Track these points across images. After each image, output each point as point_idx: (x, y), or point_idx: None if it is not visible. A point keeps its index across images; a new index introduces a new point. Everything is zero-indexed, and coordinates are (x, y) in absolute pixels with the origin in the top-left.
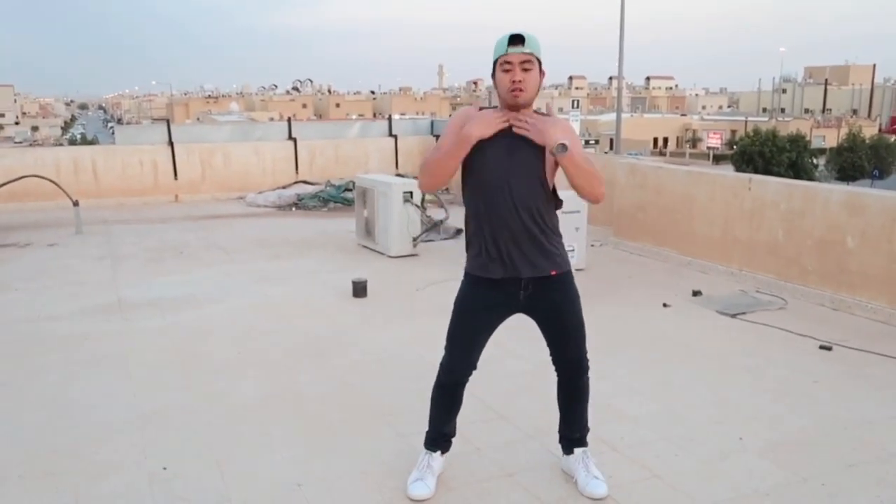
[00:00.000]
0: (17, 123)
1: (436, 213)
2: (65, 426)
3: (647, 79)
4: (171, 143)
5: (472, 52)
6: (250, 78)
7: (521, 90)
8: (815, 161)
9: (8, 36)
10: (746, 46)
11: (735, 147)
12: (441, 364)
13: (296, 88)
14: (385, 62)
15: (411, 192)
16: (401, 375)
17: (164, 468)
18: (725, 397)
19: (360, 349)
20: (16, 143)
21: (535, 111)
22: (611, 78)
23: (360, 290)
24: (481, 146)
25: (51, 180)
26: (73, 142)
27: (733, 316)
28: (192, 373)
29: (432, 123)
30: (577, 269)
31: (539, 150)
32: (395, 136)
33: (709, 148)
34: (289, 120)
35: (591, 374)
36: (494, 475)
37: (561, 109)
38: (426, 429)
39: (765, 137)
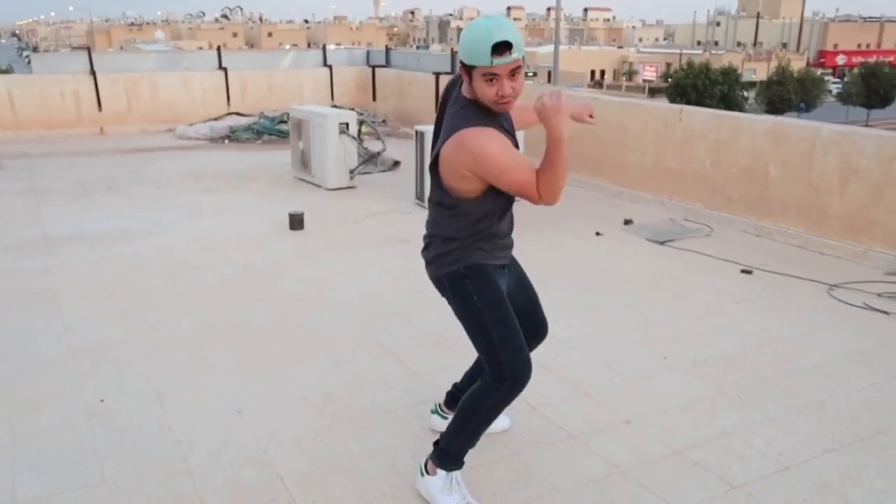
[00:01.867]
0: None
1: (372, 146)
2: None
3: (585, 10)
4: (93, 73)
5: None
6: (176, 5)
7: (511, 101)
8: (745, 94)
9: None
10: None
11: (669, 80)
12: (512, 371)
13: (225, 16)
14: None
15: (347, 124)
16: (338, 306)
17: (102, 400)
18: (652, 320)
19: (297, 281)
20: None
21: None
22: (549, 9)
23: (296, 222)
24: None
25: None
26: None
27: (661, 243)
28: (126, 307)
29: (368, 54)
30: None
31: None
32: (330, 67)
33: (644, 81)
34: (218, 49)
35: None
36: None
37: None
38: (457, 448)
39: (698, 70)
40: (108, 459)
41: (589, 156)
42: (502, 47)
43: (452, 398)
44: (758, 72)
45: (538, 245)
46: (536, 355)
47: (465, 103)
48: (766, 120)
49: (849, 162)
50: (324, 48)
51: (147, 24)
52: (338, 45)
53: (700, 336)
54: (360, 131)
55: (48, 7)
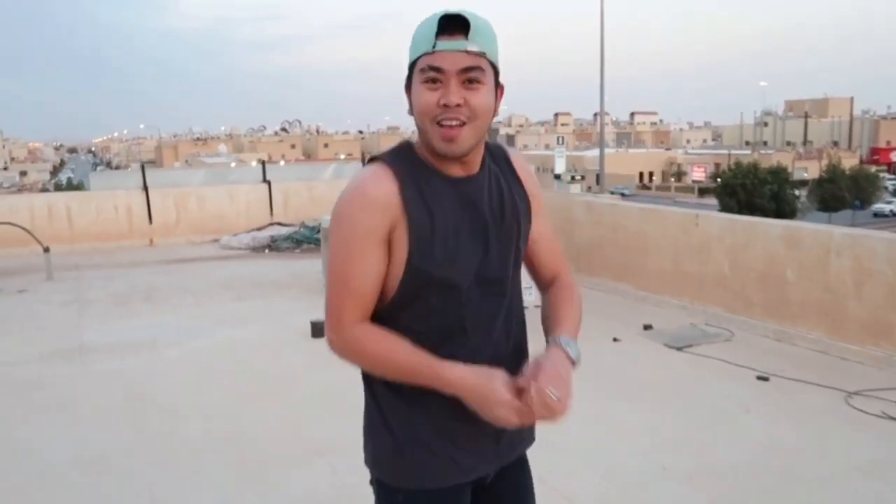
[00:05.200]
0: (5, 169)
1: None
2: (6, 469)
3: (632, 114)
4: (145, 188)
5: None
6: (240, 119)
7: (459, 126)
8: (797, 192)
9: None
10: (728, 81)
11: (718, 180)
12: None
13: (284, 129)
14: (373, 101)
15: None
16: (342, 412)
17: None
18: (657, 427)
19: (307, 388)
20: (4, 188)
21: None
22: (595, 114)
23: (317, 330)
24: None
25: (21, 227)
26: (59, 187)
27: (679, 349)
28: (139, 415)
29: None
30: (535, 306)
31: None
32: None
33: (693, 181)
34: (263, 163)
35: None
36: None
37: (547, 146)
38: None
39: (746, 170)
40: None
41: (611, 261)
42: (453, 26)
43: None
44: (809, 170)
45: None
46: (533, 467)
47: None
48: (779, 224)
49: (861, 264)
50: (362, 158)
51: (211, 138)
52: None
53: (704, 444)
54: None
55: (122, 125)
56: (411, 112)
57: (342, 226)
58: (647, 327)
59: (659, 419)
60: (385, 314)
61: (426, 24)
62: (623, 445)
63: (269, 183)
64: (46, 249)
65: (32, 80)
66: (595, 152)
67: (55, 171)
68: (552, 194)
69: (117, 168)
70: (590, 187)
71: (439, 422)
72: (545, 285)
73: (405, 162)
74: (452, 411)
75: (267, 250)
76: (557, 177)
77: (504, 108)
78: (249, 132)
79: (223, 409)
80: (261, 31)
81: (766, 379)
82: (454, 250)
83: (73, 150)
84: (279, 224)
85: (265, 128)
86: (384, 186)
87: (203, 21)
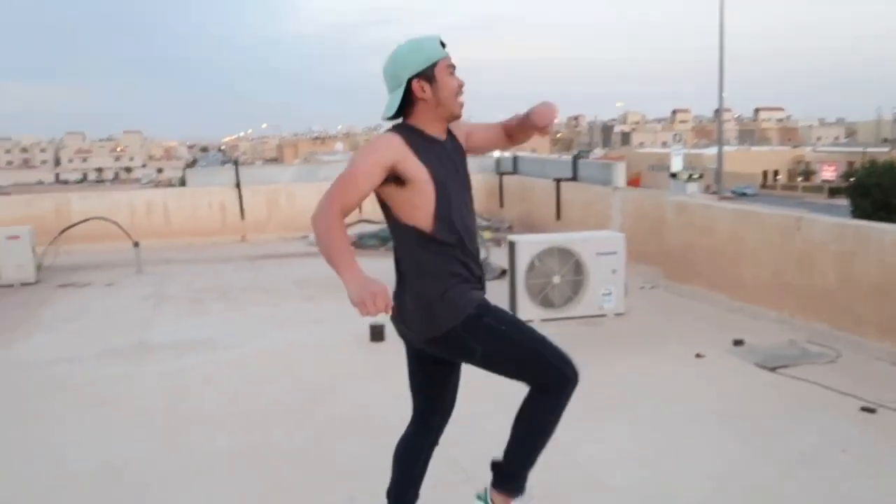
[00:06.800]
0: (143, 166)
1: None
2: (30, 473)
3: (756, 110)
4: (238, 185)
5: (573, 86)
6: (357, 118)
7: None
8: None
9: (137, 85)
10: (865, 76)
11: (851, 180)
12: (564, 378)
13: None
14: (488, 98)
15: None
16: (377, 431)
17: None
18: (730, 468)
19: (348, 401)
20: (142, 184)
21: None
22: (716, 110)
23: (376, 334)
24: (435, 175)
25: (113, 221)
26: (184, 182)
27: (772, 370)
28: (173, 423)
29: (498, 161)
30: (615, 315)
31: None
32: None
33: (824, 181)
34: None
35: (580, 436)
36: None
37: (664, 144)
38: (387, 488)
39: (883, 169)
40: None
41: (703, 267)
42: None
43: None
44: None
45: (625, 369)
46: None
47: (408, 126)
48: (893, 230)
49: None
50: None
51: (329, 137)
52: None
53: (783, 494)
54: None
55: (247, 125)
56: (435, 94)
57: (365, 151)
58: (737, 343)
59: (734, 456)
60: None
61: (432, 40)
62: (687, 488)
63: None
64: (136, 244)
65: (169, 84)
66: (715, 150)
67: (188, 168)
68: (644, 193)
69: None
70: (708, 186)
71: (459, 287)
72: (503, 134)
73: (402, 130)
74: (465, 283)
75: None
76: (674, 175)
77: (619, 105)
78: (366, 130)
79: (256, 420)
80: (374, 34)
81: (872, 411)
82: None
83: (204, 149)
84: (367, 221)
85: (381, 126)
86: (394, 137)
87: (321, 27)
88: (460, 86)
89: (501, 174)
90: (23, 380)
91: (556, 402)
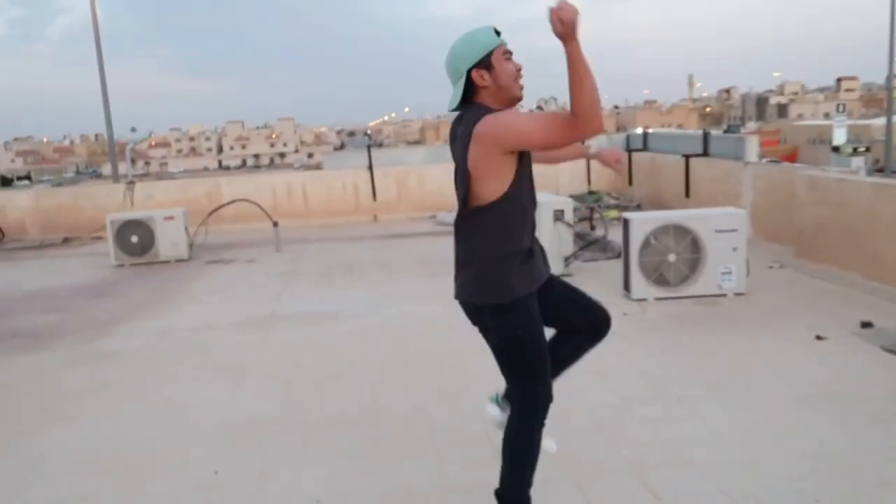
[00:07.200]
0: (296, 151)
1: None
2: (160, 426)
3: None
4: (370, 168)
5: (725, 59)
6: None
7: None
8: None
9: (290, 75)
10: None
11: None
12: (539, 401)
13: (539, 107)
14: (632, 76)
15: (562, 211)
16: (468, 402)
17: (216, 472)
18: (832, 452)
19: (455, 372)
20: (295, 168)
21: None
22: (888, 77)
23: None
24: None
25: (255, 203)
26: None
27: None
28: (293, 387)
29: (628, 138)
30: (735, 294)
31: None
32: None
33: None
34: None
35: (673, 415)
36: None
37: (826, 115)
38: (519, 489)
39: None
40: None
41: (835, 245)
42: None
43: None
44: None
45: (743, 349)
46: (654, 481)
47: (478, 107)
48: None
49: None
50: None
51: None
52: (646, 128)
53: (885, 483)
54: (591, 217)
55: (390, 109)
56: (496, 80)
57: (510, 115)
58: (865, 325)
59: (839, 441)
60: (504, 198)
61: (486, 31)
62: (778, 469)
63: None
64: (275, 224)
65: (318, 73)
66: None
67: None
68: (776, 168)
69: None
70: (877, 160)
71: (519, 264)
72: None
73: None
74: (524, 262)
75: None
76: (836, 149)
77: (776, 76)
78: None
79: (366, 387)
80: (518, 13)
81: None
82: None
83: (351, 133)
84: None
85: (522, 106)
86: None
87: (465, 8)
88: (518, 69)
89: (630, 151)
90: (169, 344)
91: (530, 419)
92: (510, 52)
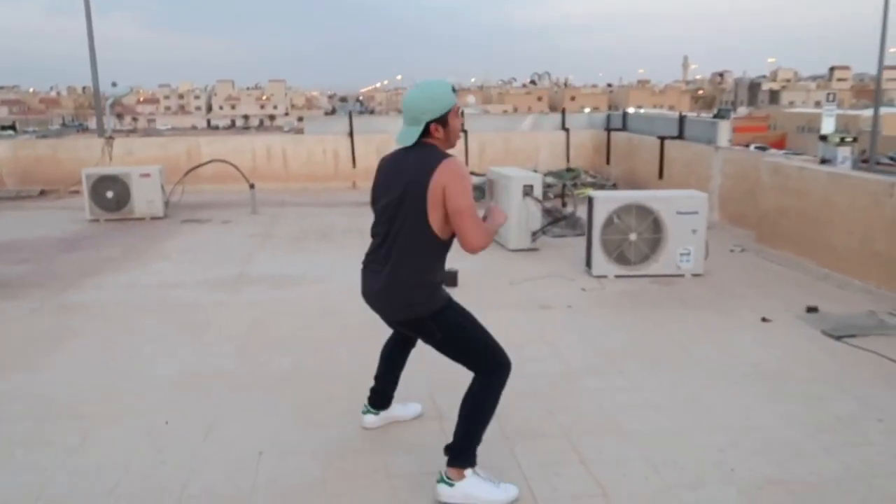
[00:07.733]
0: (286, 114)
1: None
2: (121, 378)
3: None
4: (351, 134)
5: (720, 41)
6: (491, 72)
7: None
8: None
9: (284, 37)
10: None
11: None
12: (503, 364)
13: (533, 82)
14: (628, 55)
15: (532, 186)
16: (434, 366)
17: (167, 422)
18: (751, 424)
19: None
20: (284, 131)
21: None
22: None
23: (449, 279)
24: None
25: (232, 164)
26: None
27: (838, 338)
28: (251, 344)
29: (608, 117)
30: (693, 275)
31: None
32: (567, 130)
33: None
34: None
35: (614, 386)
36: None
37: (817, 104)
38: (472, 445)
39: None
40: (126, 474)
41: (793, 231)
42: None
43: (378, 398)
44: None
45: (687, 329)
46: (583, 446)
47: (433, 148)
48: None
49: None
50: (563, 111)
51: (463, 89)
52: (638, 108)
53: (799, 453)
54: (563, 194)
55: (382, 76)
56: (447, 132)
57: (465, 182)
58: (810, 309)
59: (763, 417)
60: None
61: (447, 89)
62: (701, 440)
63: (465, 132)
64: (252, 186)
65: (311, 35)
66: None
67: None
68: (744, 154)
69: (317, 117)
70: (864, 150)
71: (437, 283)
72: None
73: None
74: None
75: None
76: (823, 138)
77: (770, 62)
78: (499, 84)
79: (321, 347)
80: None
81: None
82: None
83: (343, 99)
84: (472, 174)
85: (515, 79)
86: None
87: None
88: (462, 125)
89: (610, 130)
90: (135, 299)
91: (495, 383)
92: (460, 109)
